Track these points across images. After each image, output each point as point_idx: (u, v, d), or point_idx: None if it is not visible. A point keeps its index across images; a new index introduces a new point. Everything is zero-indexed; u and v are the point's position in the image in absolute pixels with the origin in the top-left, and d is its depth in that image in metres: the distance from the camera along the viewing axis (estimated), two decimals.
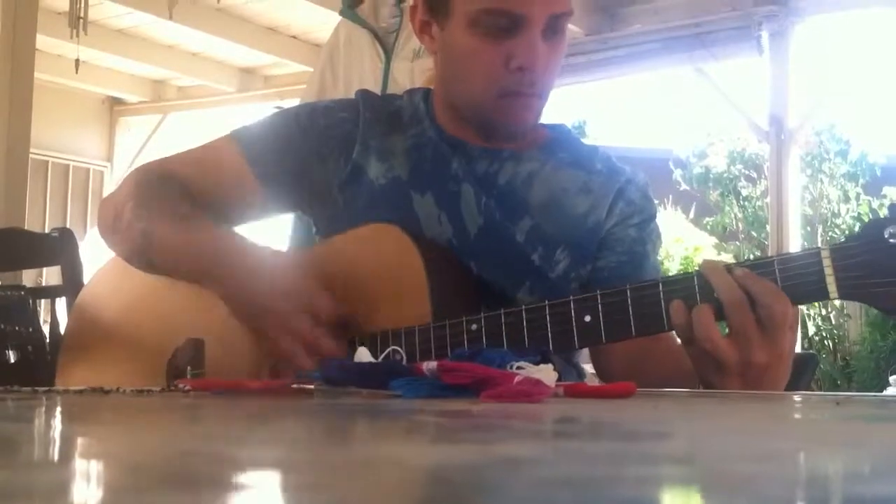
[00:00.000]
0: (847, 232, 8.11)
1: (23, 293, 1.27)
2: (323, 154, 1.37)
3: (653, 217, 1.43)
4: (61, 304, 2.64)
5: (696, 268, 1.08)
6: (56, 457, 0.44)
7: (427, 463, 0.38)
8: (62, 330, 2.57)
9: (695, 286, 1.06)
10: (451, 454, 0.41)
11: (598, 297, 1.10)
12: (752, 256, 8.17)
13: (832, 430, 0.61)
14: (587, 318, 1.10)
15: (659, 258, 1.47)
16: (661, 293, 1.07)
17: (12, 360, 1.20)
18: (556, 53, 1.29)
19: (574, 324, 1.10)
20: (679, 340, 1.10)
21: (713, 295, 1.05)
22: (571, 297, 1.11)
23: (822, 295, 1.03)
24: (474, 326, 1.13)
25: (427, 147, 1.37)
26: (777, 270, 1.04)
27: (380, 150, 1.37)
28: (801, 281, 1.03)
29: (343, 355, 1.13)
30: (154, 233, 1.23)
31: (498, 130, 1.34)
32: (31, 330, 1.22)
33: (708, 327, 1.04)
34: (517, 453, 0.41)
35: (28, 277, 4.45)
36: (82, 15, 4.73)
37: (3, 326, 1.22)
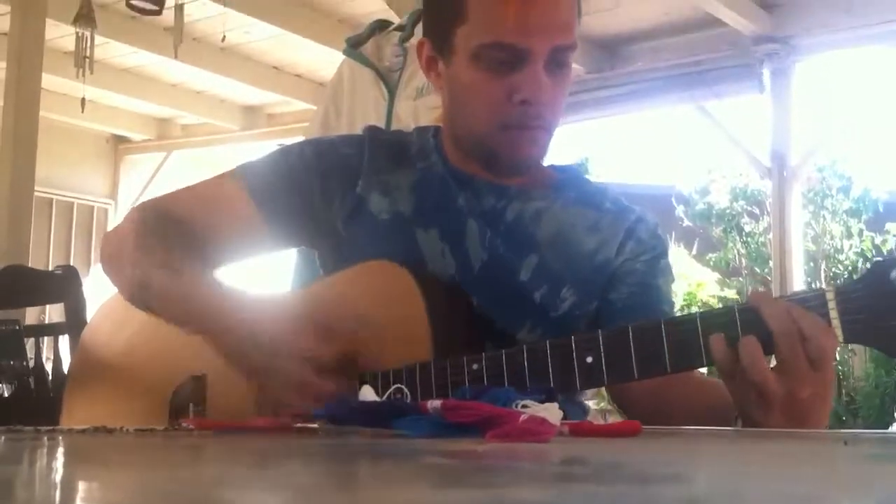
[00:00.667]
0: (850, 268, 8.09)
1: (17, 327, 1.27)
2: (327, 189, 1.37)
3: (664, 254, 1.42)
4: (64, 341, 2.64)
5: (699, 304, 1.07)
6: (56, 501, 0.43)
7: None
8: (65, 367, 2.57)
9: (736, 319, 1.03)
10: (458, 499, 0.40)
11: (600, 336, 1.09)
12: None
13: (843, 471, 0.60)
14: (588, 359, 1.09)
15: (673, 292, 1.45)
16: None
17: (5, 395, 1.19)
18: (560, 87, 1.29)
19: (576, 364, 1.09)
20: (701, 373, 1.08)
21: (759, 328, 1.02)
22: (573, 337, 1.10)
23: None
24: (475, 366, 1.12)
25: (434, 182, 1.37)
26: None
27: (384, 185, 1.37)
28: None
29: (345, 392, 1.12)
30: (151, 284, 1.21)
31: (503, 164, 1.34)
32: (24, 364, 1.21)
33: (758, 358, 1.01)
34: (526, 498, 0.40)
35: (31, 315, 4.45)
36: (88, 54, 4.77)
37: None
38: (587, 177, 1.53)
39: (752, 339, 1.01)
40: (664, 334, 1.06)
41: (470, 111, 1.32)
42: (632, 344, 1.06)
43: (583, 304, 1.34)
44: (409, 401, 1.10)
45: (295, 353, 1.12)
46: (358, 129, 1.50)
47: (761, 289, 8.10)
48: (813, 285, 7.70)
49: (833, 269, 8.17)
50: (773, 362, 1.03)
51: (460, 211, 1.35)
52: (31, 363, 2.42)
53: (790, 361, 1.01)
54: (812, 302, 1.02)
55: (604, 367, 1.08)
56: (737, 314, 1.04)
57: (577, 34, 1.29)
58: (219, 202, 1.35)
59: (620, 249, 1.37)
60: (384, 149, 1.40)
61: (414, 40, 2.49)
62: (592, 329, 1.31)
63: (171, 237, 1.27)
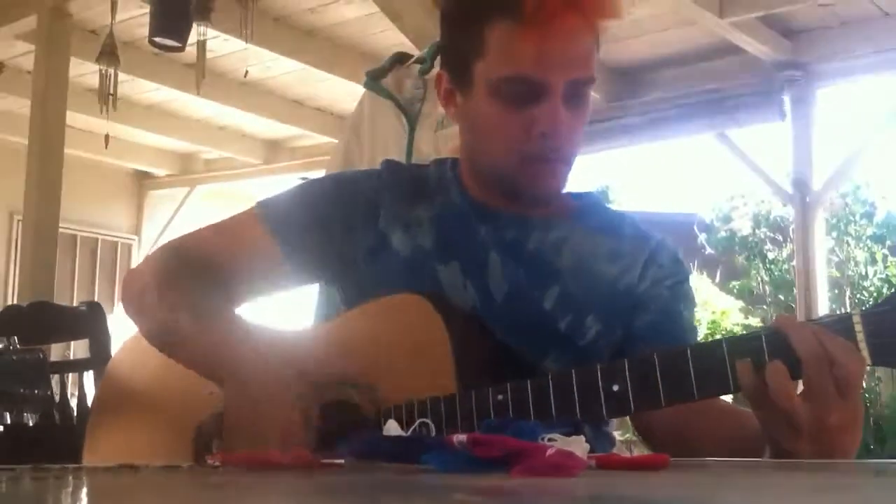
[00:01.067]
0: (875, 294, 8.03)
1: (41, 356, 1.28)
2: (348, 224, 1.37)
3: (686, 280, 1.42)
4: (89, 377, 2.65)
5: (723, 332, 1.06)
6: None
7: None
8: (90, 402, 2.58)
9: (762, 345, 1.02)
10: None
11: (626, 364, 1.08)
12: None
13: None
14: (615, 388, 1.08)
15: (695, 318, 1.45)
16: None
17: (30, 424, 1.20)
18: (579, 119, 1.29)
19: (602, 393, 1.08)
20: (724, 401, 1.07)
21: (786, 353, 1.00)
22: (598, 366, 1.10)
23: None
24: (500, 397, 1.12)
25: (454, 215, 1.38)
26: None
27: (404, 220, 1.37)
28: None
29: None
30: (170, 326, 1.22)
31: (524, 196, 1.34)
32: (49, 393, 1.22)
33: (786, 385, 0.99)
34: None
35: (57, 351, 4.47)
36: (112, 91, 4.82)
37: (21, 390, 1.21)
38: (605, 203, 1.52)
39: (779, 365, 1.00)
40: (690, 361, 1.05)
41: (489, 145, 1.32)
42: (658, 371, 1.06)
43: (608, 333, 1.33)
44: (433, 434, 1.10)
45: (301, 408, 1.11)
46: (380, 161, 1.51)
47: None
48: (838, 312, 7.64)
49: (858, 296, 8.11)
50: (801, 388, 1.02)
51: (482, 244, 1.35)
52: (57, 398, 2.43)
53: (818, 387, 0.99)
54: (839, 325, 1.01)
55: (630, 395, 1.07)
56: (763, 339, 1.03)
57: (595, 67, 1.29)
58: (240, 240, 1.36)
59: (643, 275, 1.37)
60: (403, 183, 1.41)
61: (434, 73, 2.50)
62: (616, 358, 1.31)
63: (192, 279, 1.28)
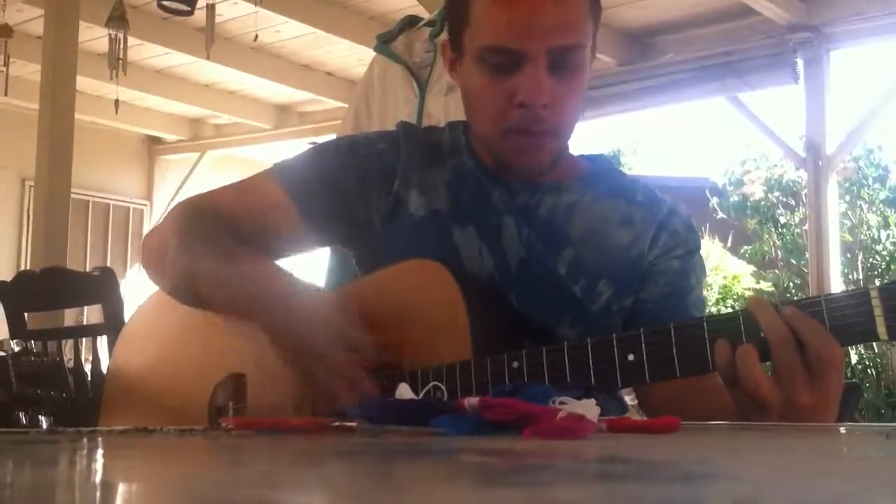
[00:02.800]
0: (888, 259, 7.99)
1: (58, 359, 1.28)
2: (364, 187, 1.37)
3: (697, 249, 1.41)
4: (103, 342, 2.66)
5: (741, 305, 1.06)
6: None
7: None
8: (104, 367, 2.60)
9: (740, 325, 1.04)
10: (499, 501, 0.40)
11: (642, 335, 1.08)
12: (793, 284, 8.09)
13: (888, 467, 0.60)
14: (630, 357, 1.08)
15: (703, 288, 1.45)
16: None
17: (45, 426, 1.21)
18: (569, 89, 1.26)
19: (617, 363, 1.08)
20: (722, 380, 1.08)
21: (759, 334, 1.02)
22: (614, 336, 1.09)
23: (870, 336, 1.01)
24: (515, 364, 1.12)
25: (467, 179, 1.37)
26: (825, 311, 1.01)
27: (420, 183, 1.36)
28: (849, 322, 1.00)
29: (376, 394, 1.12)
30: (199, 267, 1.20)
31: (513, 168, 1.33)
32: (63, 396, 1.23)
33: (751, 367, 1.01)
34: (568, 499, 0.40)
35: (70, 316, 4.49)
36: (121, 56, 4.81)
37: (39, 392, 1.22)
38: (617, 168, 1.51)
39: (747, 347, 1.02)
40: (706, 332, 1.05)
41: (478, 114, 1.32)
42: (674, 342, 1.06)
43: (620, 298, 1.33)
44: (445, 399, 1.10)
45: (345, 344, 1.12)
46: (390, 126, 1.50)
47: (797, 280, 8.04)
48: (850, 276, 7.63)
49: (870, 260, 8.08)
50: None
51: (496, 208, 1.34)
52: (71, 364, 2.45)
53: (785, 368, 1.01)
54: (810, 309, 1.02)
55: (645, 366, 1.07)
56: (740, 320, 1.04)
57: (585, 33, 1.25)
58: (257, 201, 1.35)
59: (654, 243, 1.36)
60: (419, 145, 1.40)
61: (444, 36, 2.48)
62: (627, 327, 1.31)
63: (216, 228, 1.27)
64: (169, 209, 1.37)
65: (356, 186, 1.36)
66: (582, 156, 1.45)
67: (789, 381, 1.01)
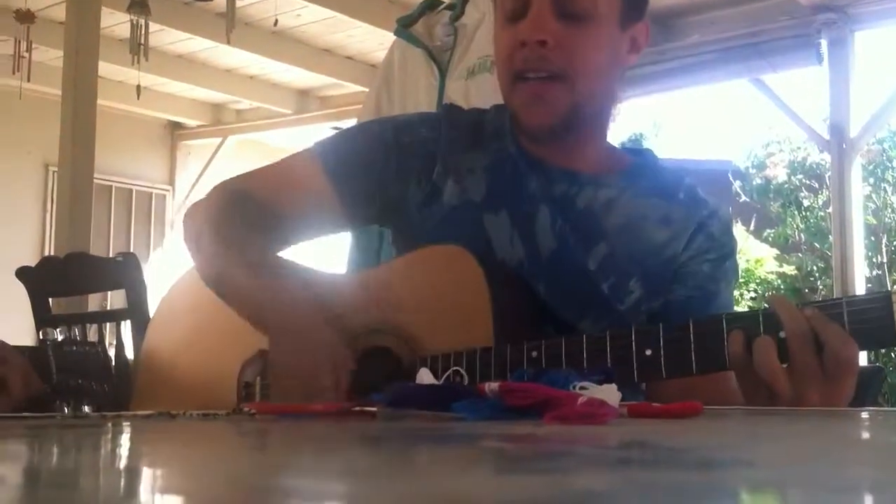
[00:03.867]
0: None
1: (98, 349, 1.29)
2: (403, 169, 1.36)
3: (731, 254, 1.39)
4: (126, 326, 2.68)
5: (764, 289, 1.06)
6: (121, 490, 0.44)
7: (497, 498, 0.37)
8: (128, 352, 2.62)
9: (760, 324, 1.04)
10: (520, 487, 0.40)
11: (661, 330, 1.08)
12: (816, 268, 8.04)
13: None
14: (648, 352, 1.08)
15: (733, 293, 1.43)
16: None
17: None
18: (579, 35, 1.26)
19: (634, 356, 1.08)
20: (733, 374, 1.08)
21: (778, 334, 1.02)
22: (633, 329, 1.09)
23: (890, 341, 1.00)
24: (534, 353, 1.12)
25: (506, 164, 1.36)
26: (845, 313, 1.01)
27: (458, 169, 1.35)
28: (869, 326, 1.00)
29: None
30: (225, 272, 1.24)
31: (525, 126, 1.32)
32: (106, 388, 1.24)
33: (770, 356, 1.01)
34: (589, 486, 0.40)
35: (93, 301, 4.53)
36: (143, 42, 4.82)
37: (80, 382, 1.23)
38: (661, 164, 1.46)
39: (766, 339, 1.02)
40: (725, 330, 1.05)
41: (498, 69, 1.33)
42: (692, 339, 1.05)
43: (649, 299, 1.31)
44: (466, 384, 1.10)
45: (331, 367, 1.12)
46: (410, 110, 1.50)
47: (821, 264, 7.98)
48: (874, 260, 7.57)
49: (895, 243, 8.01)
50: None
51: (532, 196, 1.33)
52: (112, 350, 2.46)
53: (801, 366, 1.01)
54: (829, 311, 1.01)
55: (662, 361, 1.07)
56: (761, 317, 1.04)
57: None
58: (296, 184, 1.36)
59: (689, 244, 1.34)
60: (461, 130, 1.39)
61: (465, 19, 2.47)
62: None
63: (246, 225, 1.28)
64: (190, 197, 1.38)
65: (395, 168, 1.36)
66: (626, 149, 1.43)
67: (803, 378, 1.01)
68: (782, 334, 1.02)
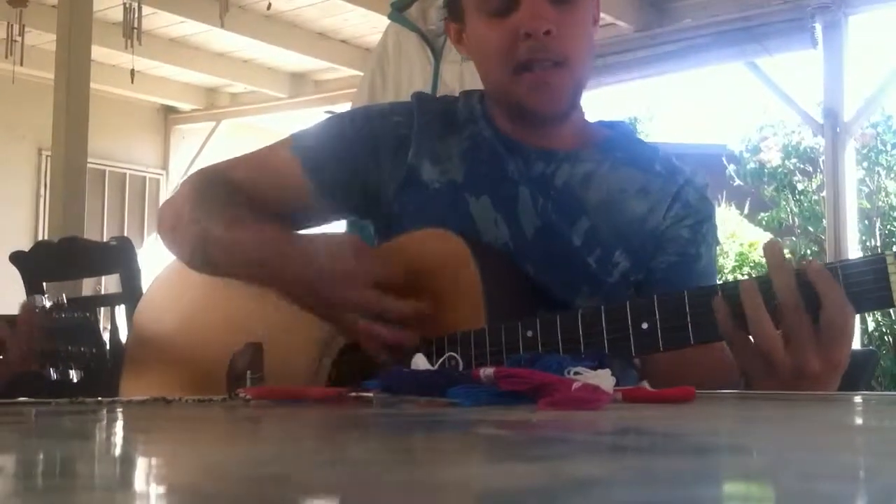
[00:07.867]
0: None
1: (88, 314, 1.29)
2: (378, 159, 1.37)
3: (708, 218, 1.40)
4: (121, 311, 2.68)
5: (759, 273, 1.06)
6: (117, 479, 0.44)
7: (492, 486, 0.37)
8: (122, 336, 2.61)
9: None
10: (515, 475, 0.40)
11: (656, 302, 1.08)
12: (810, 251, 8.05)
13: None
14: (644, 326, 1.08)
15: (716, 258, 1.44)
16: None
17: (75, 380, 1.22)
18: (572, 19, 1.29)
19: (631, 330, 1.08)
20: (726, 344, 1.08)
21: (772, 302, 1.01)
22: (628, 303, 1.09)
23: (885, 303, 1.00)
24: (530, 332, 1.12)
25: (483, 148, 1.37)
26: (840, 276, 1.00)
27: (434, 153, 1.36)
28: (864, 289, 1.00)
29: (415, 341, 1.13)
30: (211, 232, 1.22)
31: (530, 114, 1.33)
32: (94, 351, 1.23)
33: (755, 303, 1.00)
34: (583, 473, 0.40)
35: (87, 286, 4.52)
36: (136, 25, 4.80)
37: (69, 348, 1.23)
38: (637, 135, 1.50)
39: (749, 282, 1.02)
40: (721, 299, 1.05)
41: (488, 65, 1.33)
42: (688, 310, 1.06)
43: (635, 270, 1.33)
44: (461, 369, 1.10)
45: (367, 282, 1.13)
46: (404, 94, 1.50)
47: (814, 248, 7.99)
48: (868, 244, 7.58)
49: (888, 227, 8.02)
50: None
51: (511, 178, 1.34)
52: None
53: (796, 333, 1.00)
54: (871, 266, 1.01)
55: (659, 334, 1.07)
56: (757, 283, 1.03)
57: None
58: (273, 172, 1.36)
59: (667, 213, 1.36)
60: (433, 115, 1.40)
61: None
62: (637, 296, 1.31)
63: (230, 197, 1.28)
64: (185, 178, 1.38)
65: (370, 158, 1.36)
66: (601, 122, 1.44)
67: (800, 346, 1.00)
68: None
